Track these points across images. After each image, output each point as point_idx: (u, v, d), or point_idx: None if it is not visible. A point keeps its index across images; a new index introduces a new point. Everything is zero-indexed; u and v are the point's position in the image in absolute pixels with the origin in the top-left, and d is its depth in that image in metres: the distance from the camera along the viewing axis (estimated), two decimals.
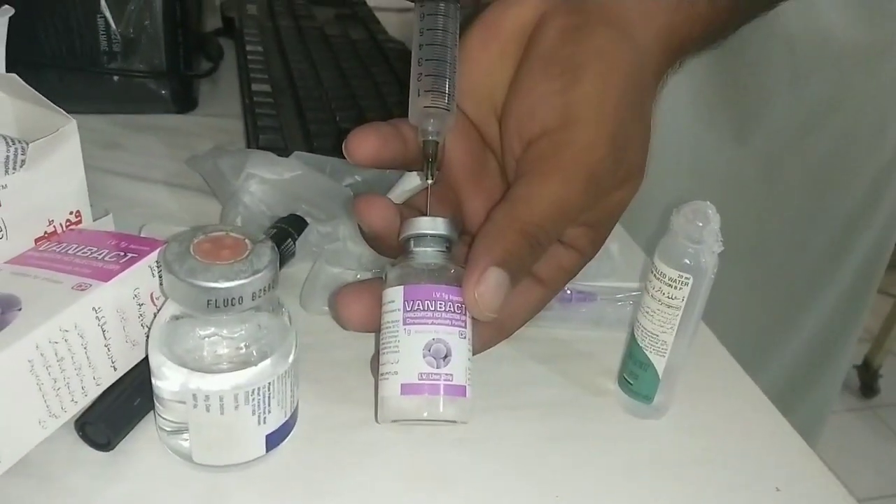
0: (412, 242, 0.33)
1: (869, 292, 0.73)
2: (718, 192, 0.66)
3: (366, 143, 0.34)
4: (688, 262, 0.33)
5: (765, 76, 0.59)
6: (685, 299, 0.34)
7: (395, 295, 0.33)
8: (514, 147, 0.35)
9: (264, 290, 0.29)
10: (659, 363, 0.36)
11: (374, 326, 0.34)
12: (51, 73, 0.58)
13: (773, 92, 0.60)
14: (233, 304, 0.28)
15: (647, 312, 0.35)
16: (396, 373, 0.32)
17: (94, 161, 0.52)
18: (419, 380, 0.31)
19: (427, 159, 0.34)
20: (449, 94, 0.35)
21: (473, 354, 0.33)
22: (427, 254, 0.33)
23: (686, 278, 0.33)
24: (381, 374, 0.32)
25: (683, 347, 0.35)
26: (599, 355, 0.41)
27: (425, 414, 0.32)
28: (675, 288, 0.33)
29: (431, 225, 0.33)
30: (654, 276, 0.34)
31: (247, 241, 0.30)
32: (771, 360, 0.71)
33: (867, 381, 1.75)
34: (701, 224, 0.33)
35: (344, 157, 0.49)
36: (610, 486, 0.34)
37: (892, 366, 1.80)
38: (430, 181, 0.35)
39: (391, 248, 0.35)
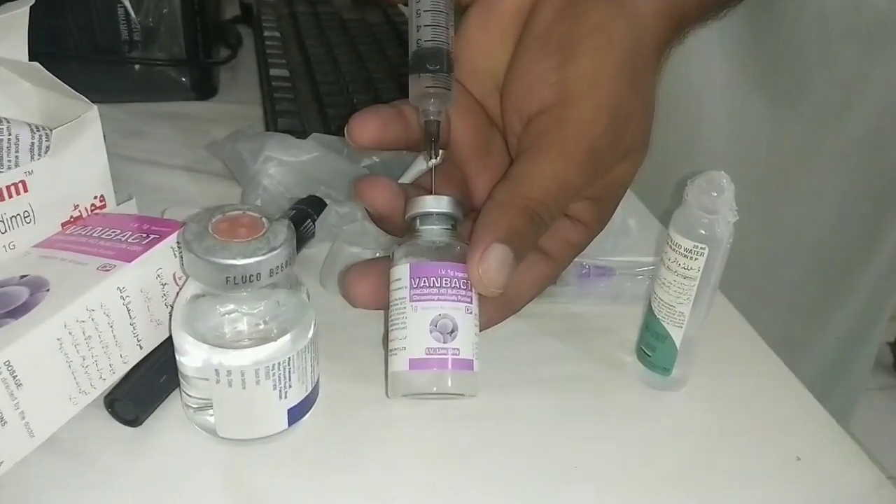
0: (417, 221, 0.34)
1: None
2: (756, 173, 0.65)
3: (367, 126, 0.34)
4: (703, 232, 0.33)
5: (798, 52, 0.58)
6: (701, 270, 0.33)
7: (401, 273, 0.33)
8: (515, 125, 0.35)
9: (281, 267, 0.30)
10: (676, 334, 0.36)
11: (381, 304, 0.35)
12: (73, 64, 0.59)
13: (808, 68, 0.59)
14: (251, 281, 0.29)
15: (664, 284, 0.35)
16: (404, 348, 0.32)
17: (117, 149, 0.53)
18: (426, 355, 0.32)
19: (429, 139, 0.35)
20: (448, 74, 0.35)
21: (481, 330, 0.34)
22: (432, 231, 0.34)
23: (701, 249, 0.33)
24: (390, 350, 0.33)
25: (700, 318, 0.35)
26: (617, 330, 0.41)
27: (434, 388, 0.32)
28: (691, 259, 0.33)
29: (436, 203, 0.34)
30: (670, 246, 0.34)
31: (263, 219, 0.31)
32: (811, 343, 0.70)
33: None
34: (715, 194, 0.33)
35: None
36: (629, 458, 0.34)
37: None
38: (432, 161, 0.35)
39: (397, 228, 0.35)
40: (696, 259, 0.33)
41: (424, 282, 0.32)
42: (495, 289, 0.31)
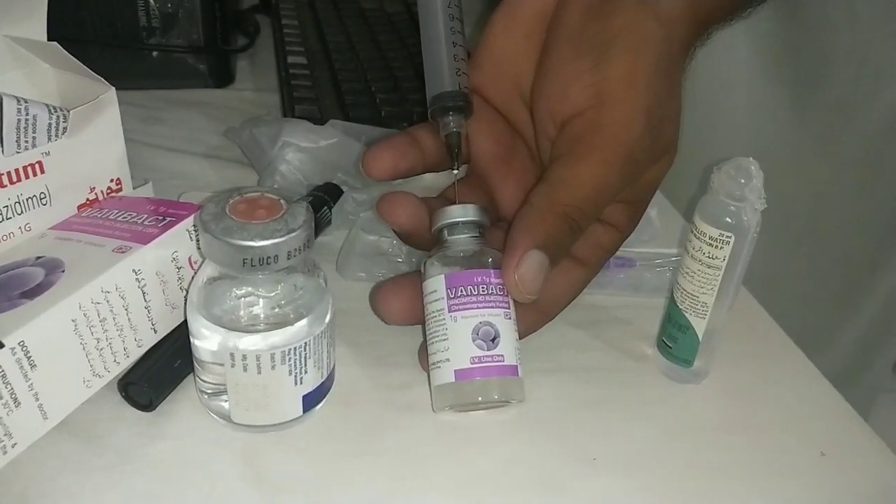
0: (445, 232, 0.34)
1: None
2: (773, 163, 0.63)
3: (381, 159, 0.34)
4: (729, 220, 0.32)
5: (824, 41, 0.57)
6: (726, 259, 0.33)
7: (436, 284, 0.33)
8: (548, 129, 0.34)
9: (299, 250, 0.29)
10: (699, 326, 0.35)
11: (416, 319, 0.34)
12: (93, 49, 0.58)
13: (834, 54, 0.58)
14: (268, 263, 0.28)
15: (687, 273, 0.34)
16: (448, 360, 0.32)
17: (135, 135, 0.53)
18: (472, 364, 0.31)
19: (451, 151, 0.35)
20: (462, 86, 0.35)
21: (519, 339, 0.33)
22: (462, 241, 0.33)
23: (727, 237, 0.32)
24: (433, 364, 0.33)
25: (724, 310, 0.34)
26: (638, 321, 0.40)
27: (480, 398, 0.32)
28: (716, 247, 0.33)
29: (462, 212, 0.33)
30: (695, 235, 0.33)
31: (282, 201, 0.30)
32: (830, 340, 0.69)
33: None
34: (743, 181, 0.32)
35: (379, 126, 0.49)
36: (648, 449, 0.33)
37: None
38: (455, 171, 0.35)
39: (425, 242, 0.35)
40: (721, 248, 0.33)
41: (461, 291, 0.32)
42: (531, 295, 0.31)
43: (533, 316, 0.35)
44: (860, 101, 0.59)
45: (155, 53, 0.60)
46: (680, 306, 0.35)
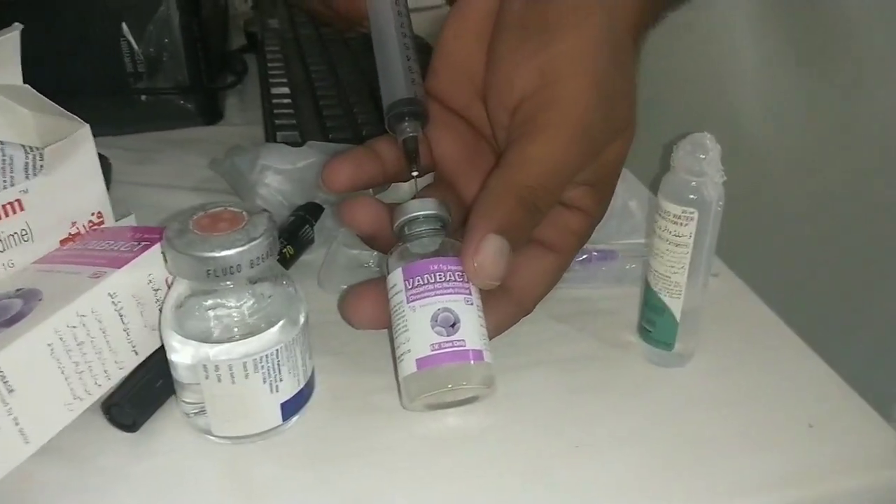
0: (406, 228, 0.34)
1: None
2: (791, 143, 0.60)
3: (340, 171, 0.34)
4: (692, 196, 0.32)
5: (836, 15, 0.56)
6: (692, 235, 0.33)
7: (396, 279, 0.33)
8: (502, 119, 0.35)
9: (262, 258, 0.30)
10: (675, 306, 0.35)
11: (383, 323, 0.34)
12: (83, 100, 0.60)
13: (847, 32, 0.56)
14: (231, 273, 0.29)
15: (657, 254, 0.34)
16: (410, 350, 0.31)
17: (127, 176, 0.54)
18: (432, 351, 0.31)
19: (409, 155, 0.35)
20: (417, 94, 0.35)
21: (498, 334, 0.33)
22: (422, 233, 0.33)
23: (690, 213, 0.32)
24: (397, 359, 0.32)
25: (698, 288, 0.34)
26: (622, 311, 0.40)
27: (449, 385, 0.31)
28: (681, 224, 0.33)
29: (421, 206, 0.33)
30: (660, 215, 0.33)
31: (244, 213, 0.31)
32: (859, 323, 0.67)
33: None
34: (702, 156, 0.32)
35: (357, 143, 0.50)
36: (631, 433, 0.33)
37: None
38: (414, 172, 0.35)
39: (389, 244, 0.35)
40: (685, 225, 0.33)
41: (419, 280, 0.32)
42: (492, 281, 0.31)
43: (507, 307, 0.35)
44: (878, 78, 0.57)
45: (143, 97, 0.62)
46: (654, 288, 0.35)
